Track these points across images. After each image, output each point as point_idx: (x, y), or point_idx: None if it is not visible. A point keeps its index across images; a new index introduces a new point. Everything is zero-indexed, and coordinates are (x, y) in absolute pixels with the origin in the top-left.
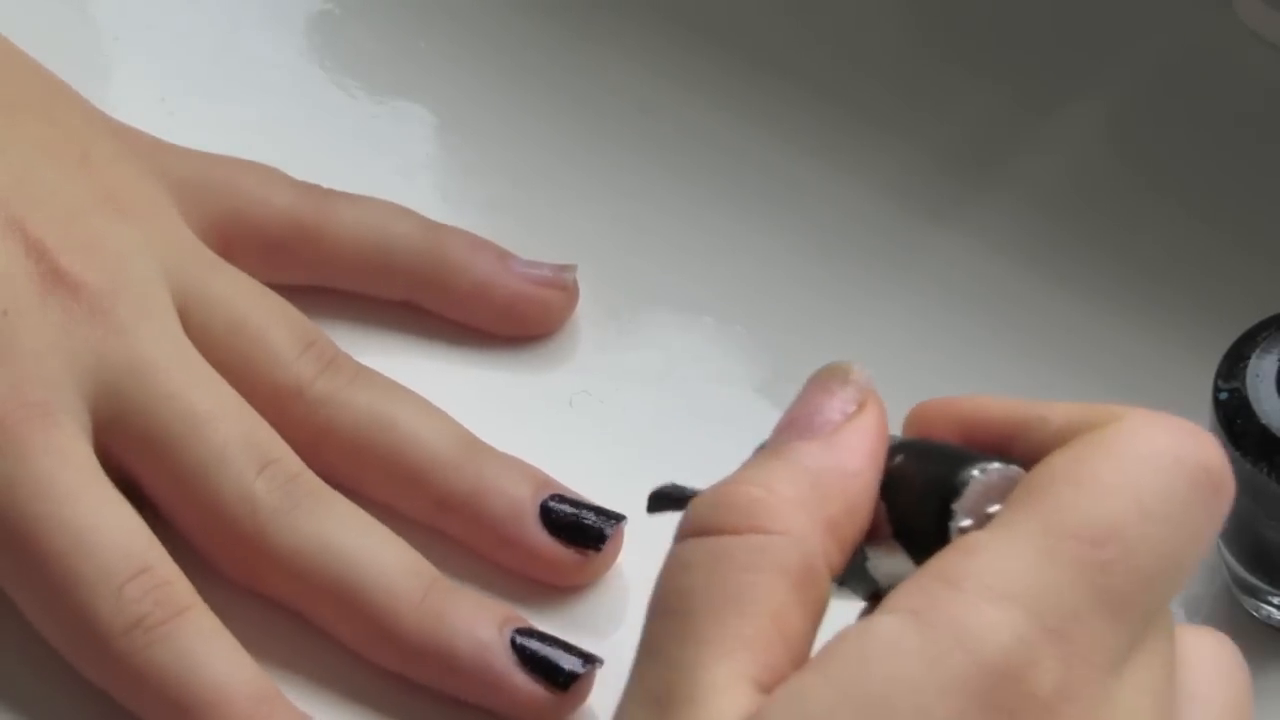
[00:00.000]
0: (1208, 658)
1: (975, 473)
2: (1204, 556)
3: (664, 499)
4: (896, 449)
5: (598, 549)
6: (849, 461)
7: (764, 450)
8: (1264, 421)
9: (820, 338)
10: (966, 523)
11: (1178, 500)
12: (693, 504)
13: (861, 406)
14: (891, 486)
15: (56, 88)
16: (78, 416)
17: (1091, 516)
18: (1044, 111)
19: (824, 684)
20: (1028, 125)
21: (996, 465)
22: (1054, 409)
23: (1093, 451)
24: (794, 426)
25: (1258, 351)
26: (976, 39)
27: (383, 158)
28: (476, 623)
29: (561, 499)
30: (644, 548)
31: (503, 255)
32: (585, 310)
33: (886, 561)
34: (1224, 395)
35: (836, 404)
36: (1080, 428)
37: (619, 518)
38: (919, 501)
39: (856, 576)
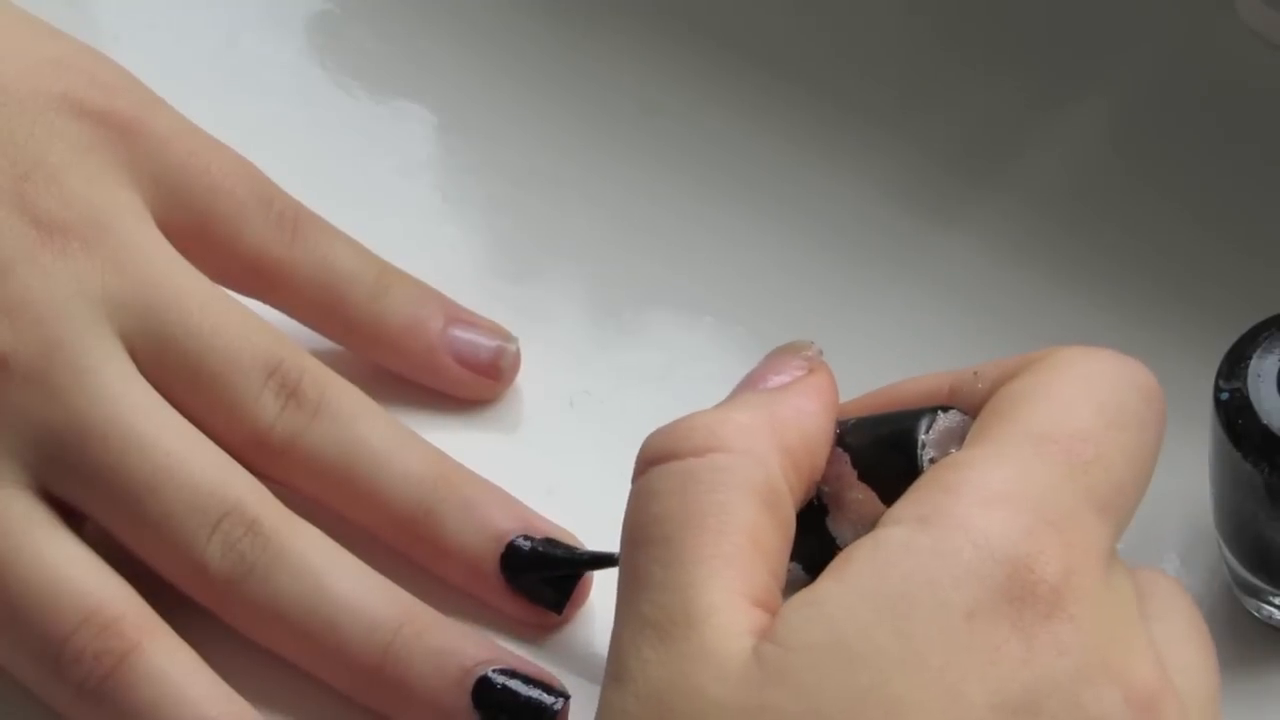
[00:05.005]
0: (1152, 582)
1: (939, 412)
2: (1152, 472)
3: (522, 557)
4: (847, 419)
5: (558, 612)
6: (799, 401)
7: None
8: (1265, 421)
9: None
10: (934, 454)
11: (1132, 410)
12: (648, 438)
13: (812, 370)
14: (852, 442)
15: (24, 67)
16: (16, 481)
17: (1065, 423)
18: (1045, 112)
19: (842, 589)
20: (1029, 125)
21: (953, 410)
22: (982, 366)
23: (1048, 374)
24: (747, 386)
25: (1258, 351)
26: (978, 39)
27: (383, 158)
28: (437, 686)
29: (525, 559)
30: None
31: (447, 323)
32: (585, 310)
33: (852, 514)
34: (1225, 395)
35: (788, 370)
36: (1017, 369)
37: (581, 570)
38: (885, 445)
39: (807, 541)
